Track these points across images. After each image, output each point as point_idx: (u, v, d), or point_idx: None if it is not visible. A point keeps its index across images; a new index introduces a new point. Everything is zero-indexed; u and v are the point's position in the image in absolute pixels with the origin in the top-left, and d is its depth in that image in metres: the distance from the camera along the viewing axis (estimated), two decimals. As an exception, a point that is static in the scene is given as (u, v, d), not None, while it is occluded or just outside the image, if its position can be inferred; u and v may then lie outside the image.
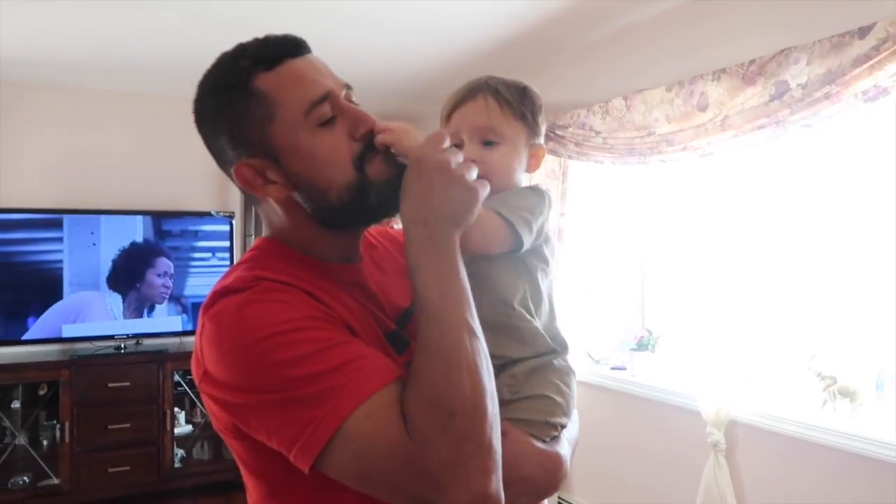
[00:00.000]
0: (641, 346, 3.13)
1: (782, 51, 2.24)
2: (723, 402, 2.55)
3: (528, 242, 0.93)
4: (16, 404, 3.66)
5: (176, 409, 3.93)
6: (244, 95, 0.83)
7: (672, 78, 2.69)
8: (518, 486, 0.85)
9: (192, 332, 4.04)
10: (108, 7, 2.78)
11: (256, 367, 0.75)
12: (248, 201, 4.35)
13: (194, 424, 4.06)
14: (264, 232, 0.96)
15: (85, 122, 4.13)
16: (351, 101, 0.87)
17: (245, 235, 4.45)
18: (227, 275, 0.87)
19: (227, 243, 4.17)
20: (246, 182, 0.86)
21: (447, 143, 0.83)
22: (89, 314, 3.78)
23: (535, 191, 1.00)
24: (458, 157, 0.82)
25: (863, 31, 2.00)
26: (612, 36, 3.10)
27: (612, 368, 3.26)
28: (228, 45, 0.89)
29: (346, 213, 0.86)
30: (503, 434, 0.85)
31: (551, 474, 0.89)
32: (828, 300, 2.45)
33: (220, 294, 0.81)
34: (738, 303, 2.61)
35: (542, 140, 1.05)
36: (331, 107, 0.84)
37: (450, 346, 0.75)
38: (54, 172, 4.03)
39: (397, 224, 0.91)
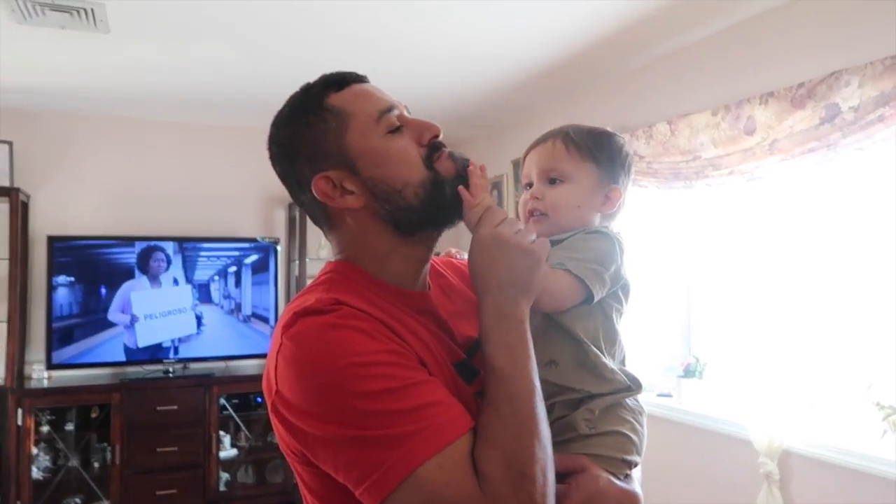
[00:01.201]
0: (689, 372, 3.08)
1: (832, 73, 2.21)
2: (776, 431, 2.49)
3: (599, 294, 0.95)
4: (69, 426, 3.76)
5: (221, 433, 3.99)
6: (319, 112, 0.89)
7: (718, 102, 2.67)
8: None
9: (237, 357, 4.13)
10: (162, 41, 2.90)
11: (334, 395, 0.76)
12: (301, 227, 4.42)
13: (239, 448, 4.11)
14: (335, 258, 0.97)
15: (138, 151, 4.29)
16: None
17: (289, 260, 4.53)
18: (303, 295, 0.89)
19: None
20: (324, 194, 0.89)
21: (501, 218, 0.89)
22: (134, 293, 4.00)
23: (604, 236, 1.00)
24: (514, 227, 0.88)
25: (917, 53, 1.97)
26: (656, 61, 3.10)
27: (658, 395, 3.20)
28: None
29: (423, 212, 0.90)
30: (584, 469, 0.88)
31: None
32: (887, 327, 2.37)
33: (300, 314, 0.82)
34: (790, 329, 2.55)
35: (621, 184, 1.07)
36: (397, 117, 0.90)
37: (521, 411, 0.79)
38: (108, 201, 4.18)
39: (463, 255, 0.94)
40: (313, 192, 0.89)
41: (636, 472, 0.98)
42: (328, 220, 0.94)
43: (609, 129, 1.10)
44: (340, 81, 0.91)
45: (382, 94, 0.93)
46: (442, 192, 0.90)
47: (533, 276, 0.86)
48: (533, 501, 0.74)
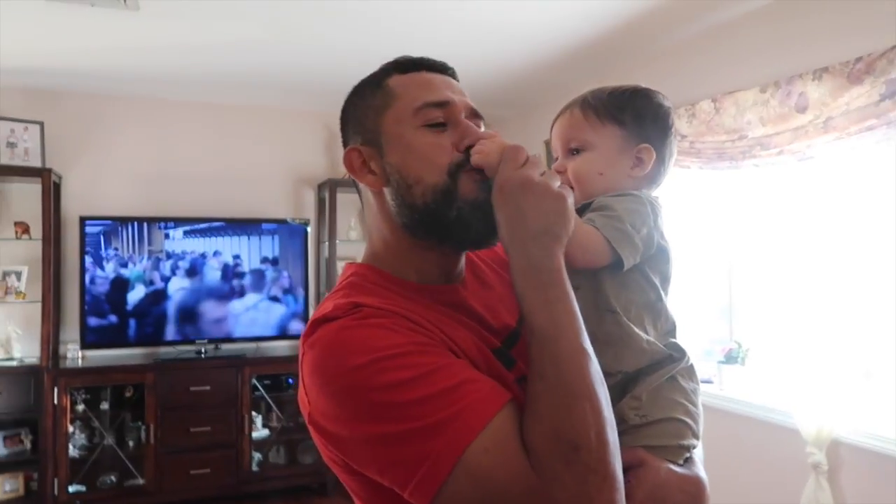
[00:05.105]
0: (730, 358, 2.99)
1: (893, 47, 2.09)
2: (825, 420, 2.40)
3: (630, 259, 0.87)
4: (104, 405, 3.80)
5: (253, 414, 4.00)
6: (375, 89, 0.90)
7: (767, 78, 2.56)
8: None
9: (268, 338, 4.13)
10: (192, 20, 2.85)
11: (360, 394, 0.73)
12: (330, 208, 4.38)
13: (271, 429, 4.12)
14: (364, 254, 0.95)
15: (167, 132, 4.27)
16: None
17: (319, 242, 4.50)
18: (324, 303, 0.86)
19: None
20: (349, 165, 0.90)
21: (524, 158, 0.80)
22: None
23: (633, 197, 0.93)
24: (538, 169, 0.80)
25: None
26: (699, 35, 2.98)
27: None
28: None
29: (424, 217, 0.84)
30: (641, 463, 0.83)
31: (696, 499, 0.85)
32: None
33: (318, 322, 0.80)
34: (839, 314, 2.46)
35: (656, 142, 0.98)
36: (444, 114, 0.85)
37: (567, 374, 0.71)
38: (139, 181, 4.18)
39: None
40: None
41: (698, 452, 0.91)
42: (359, 193, 0.95)
43: (642, 85, 1.02)
44: (407, 64, 0.90)
45: (448, 88, 0.88)
46: (449, 207, 0.83)
47: (563, 221, 0.77)
48: (593, 471, 0.68)
